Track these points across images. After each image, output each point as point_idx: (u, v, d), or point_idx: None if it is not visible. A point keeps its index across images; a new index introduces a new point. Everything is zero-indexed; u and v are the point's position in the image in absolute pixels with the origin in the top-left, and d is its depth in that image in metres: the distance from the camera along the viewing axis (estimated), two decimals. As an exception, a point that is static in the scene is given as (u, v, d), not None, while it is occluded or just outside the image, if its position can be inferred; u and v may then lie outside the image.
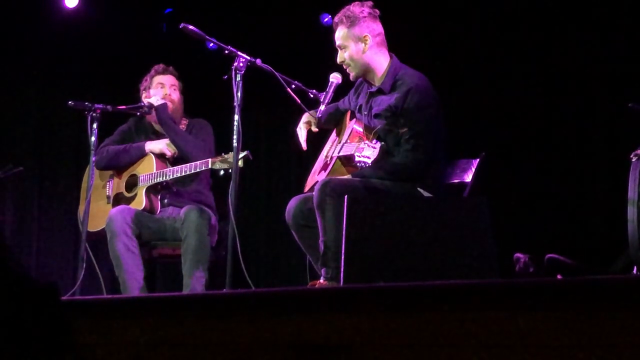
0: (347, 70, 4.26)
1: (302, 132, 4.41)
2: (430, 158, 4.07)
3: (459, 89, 5.15)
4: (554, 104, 5.08)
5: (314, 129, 4.42)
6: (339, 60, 4.25)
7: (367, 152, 3.80)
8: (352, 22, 4.17)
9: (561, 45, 5.07)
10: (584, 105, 4.97)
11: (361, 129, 4.16)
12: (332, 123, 4.49)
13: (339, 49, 4.24)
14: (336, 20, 4.24)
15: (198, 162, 4.74)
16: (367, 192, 3.95)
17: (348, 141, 4.15)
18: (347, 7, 4.23)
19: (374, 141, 3.86)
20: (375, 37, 4.19)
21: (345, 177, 4.08)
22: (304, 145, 4.41)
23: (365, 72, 4.23)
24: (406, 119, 4.06)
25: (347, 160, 4.05)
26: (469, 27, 5.31)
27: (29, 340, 1.99)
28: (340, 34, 4.22)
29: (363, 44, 4.17)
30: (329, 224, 3.88)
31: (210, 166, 4.62)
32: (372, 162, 3.81)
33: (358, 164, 3.83)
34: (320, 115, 4.30)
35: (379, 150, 3.83)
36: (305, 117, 4.43)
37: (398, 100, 4.09)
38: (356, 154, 3.81)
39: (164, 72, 5.13)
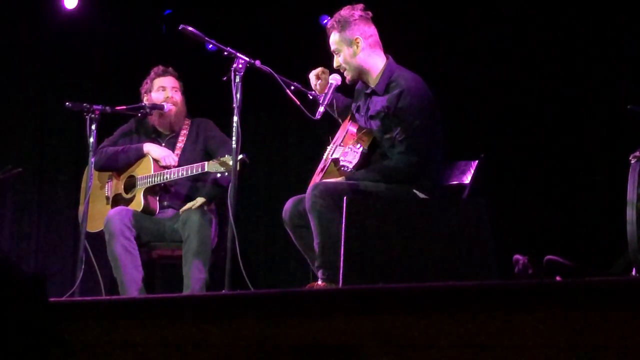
0: (344, 73, 4.28)
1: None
2: (425, 160, 4.07)
3: (457, 91, 5.15)
4: (552, 105, 5.08)
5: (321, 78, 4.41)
6: (335, 64, 4.28)
7: (349, 157, 3.88)
8: (342, 26, 4.20)
9: (560, 47, 5.07)
10: (583, 106, 4.97)
11: (355, 130, 4.18)
12: (343, 115, 4.49)
13: (334, 54, 4.27)
14: (329, 26, 4.27)
15: (194, 165, 4.74)
16: (356, 195, 3.96)
17: (342, 143, 4.18)
18: (337, 12, 4.25)
19: (358, 145, 3.91)
20: (367, 39, 4.20)
21: (338, 179, 4.10)
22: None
23: (361, 74, 4.26)
24: (399, 120, 4.08)
25: (337, 163, 4.08)
26: (467, 28, 5.31)
27: (12, 332, 1.96)
28: (333, 39, 4.25)
29: (355, 47, 4.20)
30: (322, 226, 3.91)
31: (206, 169, 4.62)
32: (353, 167, 3.90)
33: (342, 168, 3.90)
34: (319, 117, 4.30)
35: (360, 155, 3.90)
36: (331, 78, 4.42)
37: (391, 102, 4.11)
38: (341, 157, 3.90)
39: (163, 74, 5.13)
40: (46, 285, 2.07)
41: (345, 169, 3.88)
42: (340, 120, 4.54)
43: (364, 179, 4.04)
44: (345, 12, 4.23)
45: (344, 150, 3.89)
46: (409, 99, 4.08)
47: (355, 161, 3.87)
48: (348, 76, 4.27)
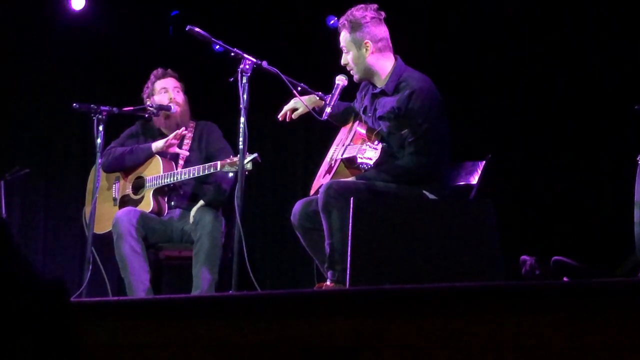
0: (351, 72, 4.27)
1: (285, 108, 4.45)
2: (435, 161, 4.06)
3: (465, 91, 5.15)
4: (560, 106, 5.07)
5: (295, 115, 4.42)
6: (342, 62, 4.26)
7: (369, 154, 3.80)
8: (352, 27, 4.17)
9: (567, 48, 5.06)
10: (590, 107, 4.96)
11: (364, 131, 4.16)
12: (343, 121, 4.49)
13: (343, 51, 4.26)
14: (340, 23, 4.25)
15: (207, 164, 4.74)
16: (371, 194, 3.95)
17: (351, 143, 4.15)
18: (350, 10, 4.22)
19: (376, 142, 3.87)
20: (377, 43, 4.18)
21: (349, 179, 4.08)
22: (280, 116, 4.45)
23: (369, 75, 4.24)
24: (410, 121, 4.06)
25: (350, 163, 4.05)
26: (474, 29, 5.31)
27: (35, 340, 1.97)
28: (342, 38, 4.24)
29: (364, 50, 4.17)
30: (334, 226, 3.88)
31: (219, 169, 4.62)
32: (374, 163, 3.82)
33: (360, 166, 3.84)
34: (325, 118, 4.29)
35: (381, 151, 3.84)
36: (293, 102, 4.43)
37: (401, 102, 4.09)
38: (358, 155, 3.82)
39: (163, 76, 5.13)
40: (67, 292, 2.07)
41: (366, 166, 3.83)
42: (338, 125, 4.53)
43: (374, 179, 4.02)
44: (357, 12, 4.19)
45: (361, 148, 3.84)
46: (420, 100, 4.07)
47: (376, 157, 3.81)
48: (356, 76, 4.26)
